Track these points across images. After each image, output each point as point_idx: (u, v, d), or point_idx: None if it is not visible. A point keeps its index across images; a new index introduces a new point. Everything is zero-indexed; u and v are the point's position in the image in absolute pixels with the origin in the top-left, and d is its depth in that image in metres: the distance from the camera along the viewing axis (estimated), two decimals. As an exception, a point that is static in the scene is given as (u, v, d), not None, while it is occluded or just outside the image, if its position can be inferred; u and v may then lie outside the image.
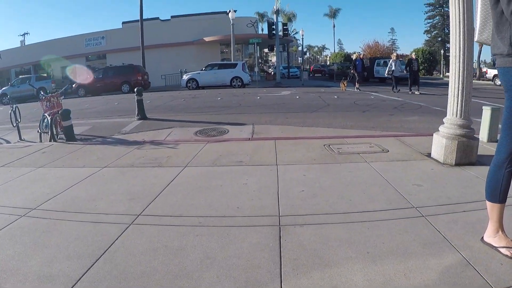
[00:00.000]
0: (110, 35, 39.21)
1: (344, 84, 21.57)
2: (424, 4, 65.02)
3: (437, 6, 62.66)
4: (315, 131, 7.73)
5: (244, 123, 9.02)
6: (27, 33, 64.25)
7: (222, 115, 10.99)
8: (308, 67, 72.56)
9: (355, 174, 4.53)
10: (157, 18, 42.04)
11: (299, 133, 7.50)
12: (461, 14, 4.70)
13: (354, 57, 24.49)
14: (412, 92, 18.15)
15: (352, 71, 22.47)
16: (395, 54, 21.36)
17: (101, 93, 26.40)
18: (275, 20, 30.25)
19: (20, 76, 36.10)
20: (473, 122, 5.10)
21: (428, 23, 64.75)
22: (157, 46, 35.85)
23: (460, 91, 4.89)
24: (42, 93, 8.88)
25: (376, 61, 32.14)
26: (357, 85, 21.02)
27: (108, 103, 17.68)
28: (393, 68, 19.47)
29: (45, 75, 38.89)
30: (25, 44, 54.23)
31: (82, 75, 35.09)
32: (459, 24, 4.73)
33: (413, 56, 19.46)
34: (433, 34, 64.09)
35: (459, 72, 4.85)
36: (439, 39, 62.15)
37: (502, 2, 2.31)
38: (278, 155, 5.58)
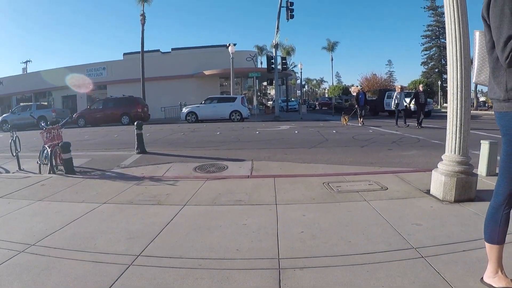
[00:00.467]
0: (111, 66, 39.88)
1: (345, 118, 21.14)
2: (421, 36, 66.51)
3: (433, 37, 63.97)
4: (314, 168, 7.78)
5: (243, 159, 9.07)
6: (29, 61, 65.13)
7: (221, 150, 11.06)
8: (307, 99, 73.25)
9: (355, 214, 4.55)
10: (158, 50, 42.94)
11: (298, 170, 7.54)
12: (458, 53, 4.84)
13: (352, 90, 24.42)
14: (419, 127, 17.50)
15: (355, 106, 21.64)
16: (399, 86, 20.34)
17: (101, 124, 26.62)
18: (274, 54, 30.83)
19: (21, 104, 36.66)
20: (471, 158, 5.17)
21: (425, 54, 66.21)
22: (157, 78, 36.40)
23: (458, 129, 4.98)
24: (42, 124, 8.95)
25: (387, 93, 30.60)
26: (360, 120, 20.36)
27: (107, 135, 17.77)
28: (398, 101, 18.93)
29: (45, 103, 39.37)
30: (27, 71, 55.15)
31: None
32: (457, 62, 4.87)
33: (420, 88, 18.69)
34: (430, 65, 65.29)
35: (457, 109, 4.95)
36: (436, 70, 63.15)
37: (496, 50, 2.38)
38: (277, 194, 5.60)
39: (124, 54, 43.57)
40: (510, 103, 2.44)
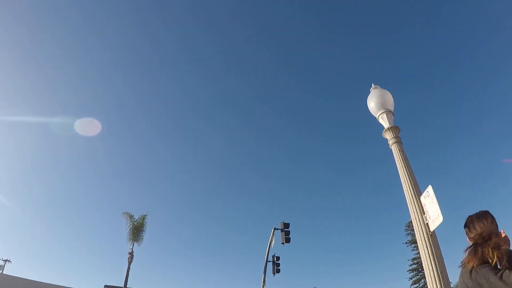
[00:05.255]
0: None
1: None
2: (407, 271, 63.09)
3: (420, 269, 60.61)
4: None
5: None
6: (8, 260, 61.22)
7: None
8: None
9: None
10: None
11: None
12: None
13: None
14: None
15: None
16: None
17: None
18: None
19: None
20: None
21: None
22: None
23: None
24: None
25: None
26: None
27: None
28: None
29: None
30: (3, 271, 52.34)
31: None
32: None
33: None
34: (424, 298, 61.99)
35: None
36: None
37: None
38: None
39: (105, 286, 42.25)
40: None
